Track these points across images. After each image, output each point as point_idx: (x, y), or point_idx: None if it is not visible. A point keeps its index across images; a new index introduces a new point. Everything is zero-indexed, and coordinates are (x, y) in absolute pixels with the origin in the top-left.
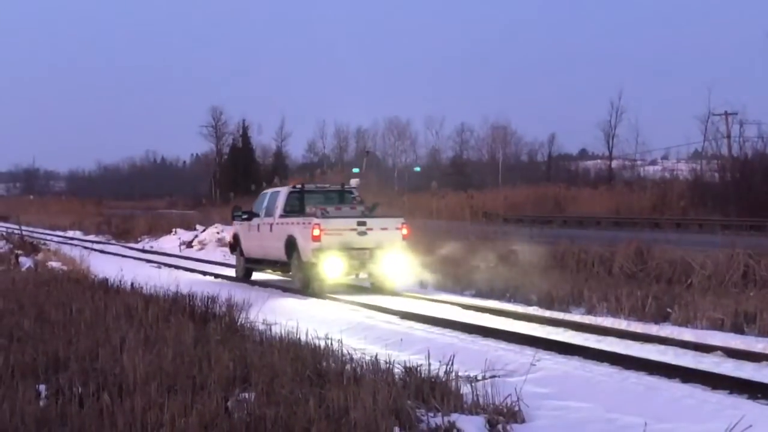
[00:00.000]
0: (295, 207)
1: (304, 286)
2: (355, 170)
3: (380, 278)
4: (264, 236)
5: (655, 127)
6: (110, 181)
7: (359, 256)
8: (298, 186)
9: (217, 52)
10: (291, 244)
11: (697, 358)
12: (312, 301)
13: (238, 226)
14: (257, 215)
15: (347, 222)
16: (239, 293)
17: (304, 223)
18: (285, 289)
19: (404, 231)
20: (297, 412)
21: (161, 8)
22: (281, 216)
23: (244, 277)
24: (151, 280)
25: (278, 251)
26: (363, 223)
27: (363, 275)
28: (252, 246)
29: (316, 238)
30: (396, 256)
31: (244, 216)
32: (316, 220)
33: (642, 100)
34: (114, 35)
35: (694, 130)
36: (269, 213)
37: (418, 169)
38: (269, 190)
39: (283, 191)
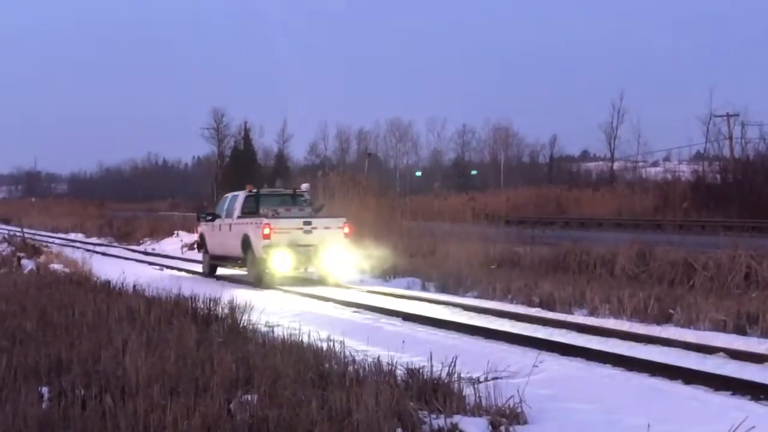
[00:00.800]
0: (251, 209)
1: (258, 280)
2: (305, 185)
3: (325, 271)
4: (225, 235)
5: (657, 129)
6: (112, 183)
7: (305, 252)
8: (254, 190)
9: (219, 54)
10: (246, 242)
11: (699, 359)
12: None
13: (203, 227)
14: (219, 216)
15: (294, 222)
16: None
17: (256, 223)
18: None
19: (346, 230)
20: (299, 414)
21: (162, 10)
22: (239, 217)
23: (209, 273)
24: (153, 282)
25: (236, 249)
26: (309, 223)
27: (310, 269)
28: (215, 244)
29: (266, 237)
30: (338, 252)
31: (209, 217)
32: (266, 221)
33: (644, 101)
34: (115, 37)
35: (696, 131)
36: (229, 214)
37: (418, 174)
38: (230, 194)
39: (241, 195)
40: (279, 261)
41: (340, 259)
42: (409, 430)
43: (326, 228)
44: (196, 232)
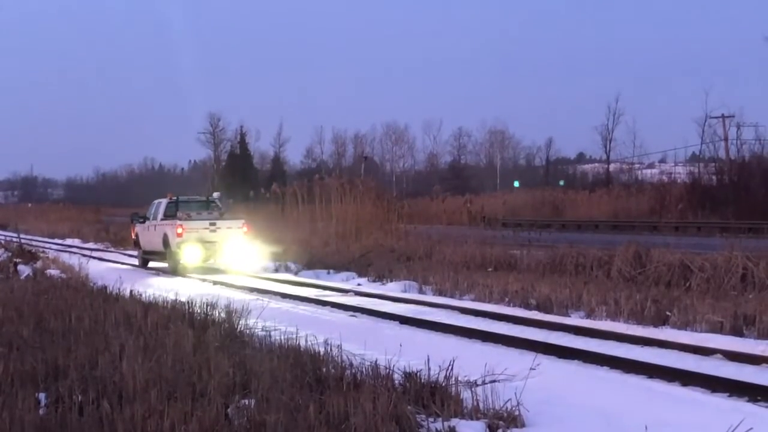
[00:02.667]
0: (171, 213)
1: (174, 270)
2: (216, 194)
3: (227, 263)
4: (151, 234)
5: (653, 131)
6: (108, 189)
7: (211, 247)
8: (174, 198)
9: (215, 59)
10: (165, 239)
11: (696, 361)
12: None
13: (138, 227)
14: (148, 219)
15: (202, 223)
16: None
17: (172, 224)
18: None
19: (245, 229)
20: (297, 419)
21: (158, 15)
22: (161, 219)
23: (143, 265)
24: (149, 287)
25: (159, 245)
26: (214, 224)
27: (216, 260)
28: (145, 242)
29: (180, 235)
30: (238, 247)
31: (141, 219)
32: (179, 222)
33: (639, 103)
34: (112, 43)
35: (692, 133)
36: (154, 217)
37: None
38: (156, 201)
39: (163, 202)
40: (190, 254)
41: (239, 253)
42: None
43: (228, 228)
44: (133, 231)
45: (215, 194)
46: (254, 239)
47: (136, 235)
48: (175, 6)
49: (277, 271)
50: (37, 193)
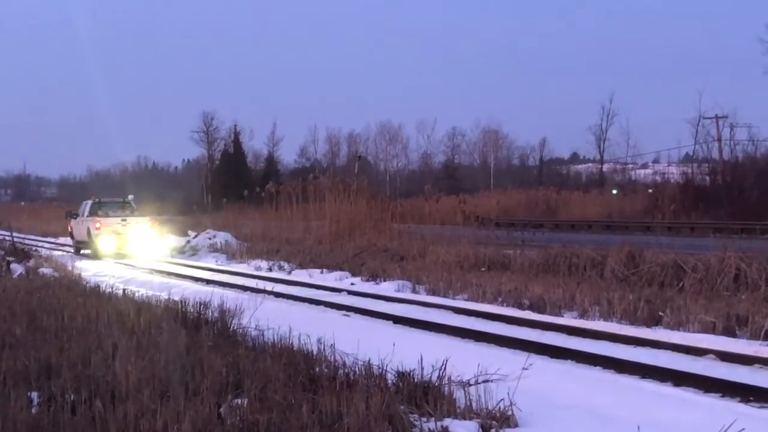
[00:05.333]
0: (94, 211)
1: (95, 255)
2: (130, 196)
3: (135, 251)
4: (80, 227)
5: (647, 131)
6: (101, 187)
7: (122, 238)
8: (97, 199)
9: (208, 57)
10: (88, 232)
11: (689, 361)
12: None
13: (72, 222)
14: (79, 215)
15: (116, 219)
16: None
17: (93, 220)
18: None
19: (150, 224)
20: (290, 418)
21: (151, 13)
22: (87, 216)
23: (76, 252)
24: (142, 286)
25: (85, 236)
26: (125, 220)
27: (127, 249)
28: (77, 233)
29: (98, 228)
30: (144, 238)
31: (74, 216)
32: (98, 218)
33: (633, 103)
34: (105, 40)
35: (685, 133)
36: (83, 214)
37: None
38: (85, 201)
39: (89, 202)
40: (105, 243)
41: (145, 243)
42: None
43: (136, 223)
44: (69, 226)
45: (130, 196)
46: (160, 231)
47: (71, 228)
48: (169, 4)
49: (270, 270)
50: (30, 191)
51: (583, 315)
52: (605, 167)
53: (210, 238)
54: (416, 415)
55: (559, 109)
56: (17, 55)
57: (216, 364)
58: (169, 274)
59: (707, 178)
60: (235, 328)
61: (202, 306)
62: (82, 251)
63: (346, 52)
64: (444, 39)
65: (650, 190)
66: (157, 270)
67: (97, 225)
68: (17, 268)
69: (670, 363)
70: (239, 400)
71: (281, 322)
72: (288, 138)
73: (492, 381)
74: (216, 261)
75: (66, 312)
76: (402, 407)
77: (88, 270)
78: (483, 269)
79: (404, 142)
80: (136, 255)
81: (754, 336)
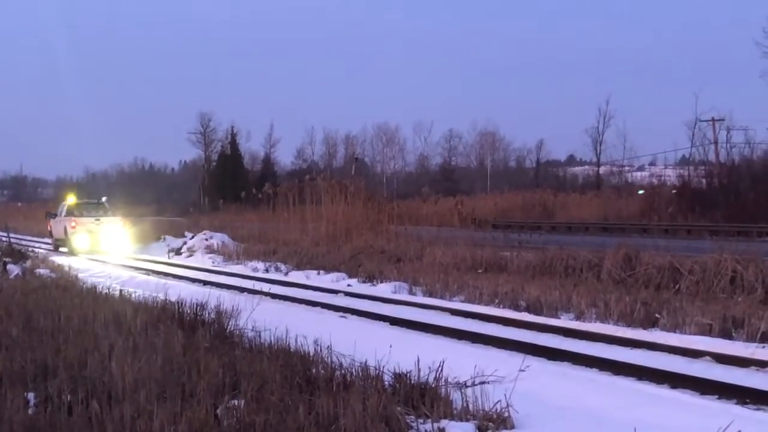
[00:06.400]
0: (71, 211)
1: (71, 252)
2: (104, 198)
3: (107, 248)
4: (59, 226)
5: (643, 133)
6: (98, 188)
7: (96, 237)
8: (75, 200)
9: (206, 59)
10: (65, 230)
11: (685, 363)
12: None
13: (51, 221)
14: (57, 215)
15: (90, 219)
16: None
17: (69, 219)
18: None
19: (122, 224)
20: (287, 420)
21: (148, 14)
22: (64, 216)
23: (55, 249)
24: (139, 287)
25: (62, 234)
26: (98, 219)
27: (101, 247)
28: (55, 231)
29: (73, 228)
30: (116, 238)
31: (53, 216)
32: (73, 218)
33: (630, 106)
34: (102, 42)
35: (682, 136)
36: (60, 214)
37: None
38: (63, 202)
39: (66, 203)
40: (80, 241)
41: (117, 240)
42: None
43: (109, 223)
44: (48, 225)
45: (103, 198)
46: (131, 231)
47: (50, 227)
48: (165, 6)
49: (267, 271)
50: (27, 192)
51: (579, 317)
52: (602, 169)
53: (207, 239)
54: (413, 417)
55: (556, 111)
56: (14, 56)
57: (213, 365)
58: (166, 275)
59: (704, 180)
60: (232, 329)
61: (198, 307)
62: (60, 248)
63: (344, 54)
64: (441, 41)
65: (641, 191)
66: (151, 270)
67: (73, 224)
68: (14, 269)
69: (666, 365)
70: (236, 402)
71: (278, 324)
72: (285, 139)
73: (489, 382)
74: (213, 262)
75: (62, 313)
76: (399, 409)
77: (77, 268)
78: (480, 271)
79: (401, 144)
80: (108, 251)
81: (750, 338)
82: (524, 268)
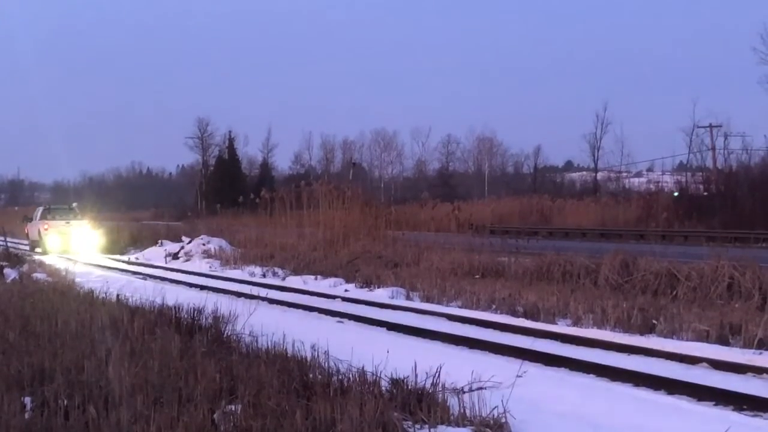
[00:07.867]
0: (46, 215)
1: (44, 252)
2: (74, 203)
3: (76, 249)
4: (34, 229)
5: (641, 139)
6: (95, 193)
7: (66, 238)
8: (48, 205)
9: (204, 63)
10: (39, 233)
11: (682, 369)
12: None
13: (28, 225)
14: (33, 219)
15: (61, 222)
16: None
17: (42, 223)
18: (41, 254)
19: (89, 226)
20: (284, 425)
21: (146, 20)
22: (39, 219)
23: (31, 250)
24: (136, 292)
25: (37, 236)
26: (69, 223)
27: (71, 248)
28: (31, 234)
29: (46, 230)
30: (84, 240)
31: (29, 220)
32: (46, 221)
33: (627, 112)
34: (99, 46)
35: (679, 142)
36: (35, 218)
37: None
38: (38, 208)
39: (41, 208)
40: (52, 242)
41: (85, 242)
42: None
43: (78, 226)
44: (26, 228)
45: (74, 204)
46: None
47: (27, 230)
48: (165, 10)
49: (264, 276)
50: (24, 196)
51: (576, 323)
52: (599, 175)
53: (204, 244)
54: (410, 422)
55: (554, 117)
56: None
57: (209, 370)
58: (163, 279)
59: (701, 187)
60: (229, 334)
61: (195, 312)
62: (35, 248)
63: (342, 59)
64: (439, 47)
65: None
66: (150, 275)
67: (46, 227)
68: (10, 273)
69: (663, 371)
70: (233, 407)
71: (275, 329)
72: (283, 144)
73: (486, 388)
74: (210, 267)
75: (59, 317)
76: (396, 414)
77: (74, 272)
78: (477, 276)
79: (399, 149)
80: (77, 251)
81: (747, 345)
82: (521, 274)
